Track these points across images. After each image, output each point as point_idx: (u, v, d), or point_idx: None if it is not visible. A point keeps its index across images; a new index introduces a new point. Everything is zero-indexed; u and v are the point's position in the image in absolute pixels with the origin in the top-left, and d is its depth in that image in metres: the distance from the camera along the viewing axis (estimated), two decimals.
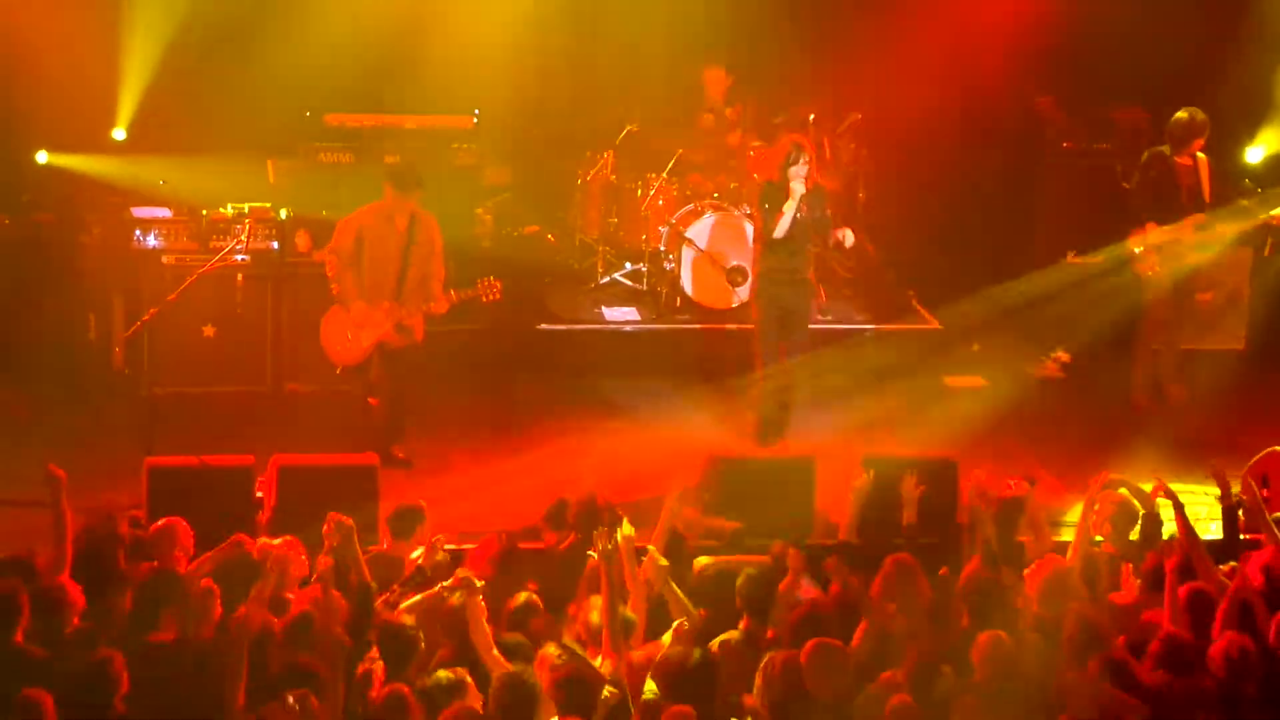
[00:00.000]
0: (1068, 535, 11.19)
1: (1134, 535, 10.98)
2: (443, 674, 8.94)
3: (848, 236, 13.99)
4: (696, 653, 9.03)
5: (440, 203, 15.92)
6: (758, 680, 9.21)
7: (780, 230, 13.48)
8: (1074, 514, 11.51)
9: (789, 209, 13.43)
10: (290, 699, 8.56)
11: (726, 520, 11.59)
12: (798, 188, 13.43)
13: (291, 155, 16.52)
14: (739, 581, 9.95)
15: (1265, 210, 14.97)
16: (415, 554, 10.41)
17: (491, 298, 13.68)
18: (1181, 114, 14.81)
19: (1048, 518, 11.17)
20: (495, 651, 9.30)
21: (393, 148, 16.66)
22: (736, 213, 16.32)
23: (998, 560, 10.22)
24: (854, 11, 17.42)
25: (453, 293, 13.48)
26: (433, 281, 13.39)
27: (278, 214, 14.76)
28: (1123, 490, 11.06)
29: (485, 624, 9.40)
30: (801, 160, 13.48)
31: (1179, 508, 10.44)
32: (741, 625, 9.81)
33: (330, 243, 13.51)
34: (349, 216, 13.51)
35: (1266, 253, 16.25)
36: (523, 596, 9.95)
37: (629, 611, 9.70)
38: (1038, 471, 12.48)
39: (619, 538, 9.71)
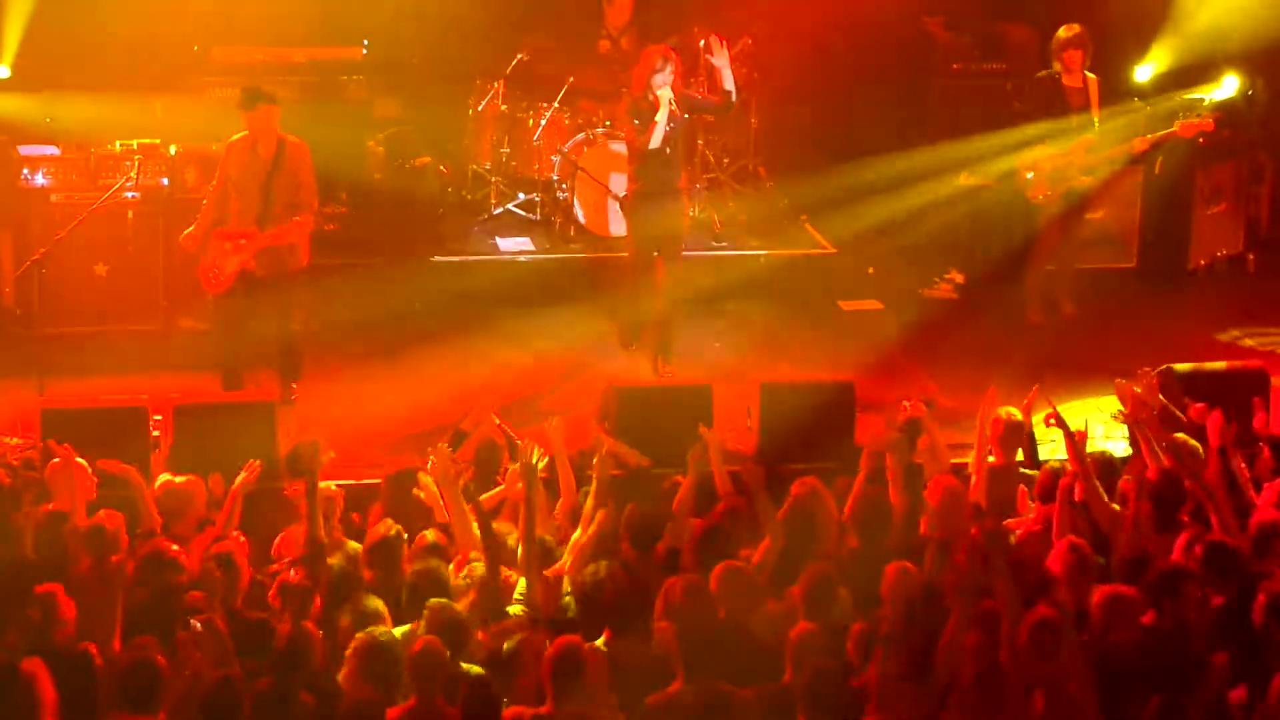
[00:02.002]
0: (966, 457, 11.27)
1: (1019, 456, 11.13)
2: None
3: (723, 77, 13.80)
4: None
5: (331, 136, 15.88)
6: (657, 606, 9.23)
7: (655, 141, 13.42)
8: (970, 436, 11.62)
9: (660, 119, 13.37)
10: (196, 624, 8.70)
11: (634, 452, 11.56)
12: (664, 95, 13.36)
13: (180, 90, 16.31)
14: (625, 512, 10.02)
15: (1153, 130, 15.10)
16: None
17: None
18: (1061, 30, 14.92)
19: (943, 439, 11.22)
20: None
21: (282, 81, 16.47)
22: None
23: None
24: None
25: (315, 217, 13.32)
26: (301, 210, 13.21)
27: (167, 150, 14.59)
28: (1008, 410, 11.16)
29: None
30: (667, 70, 13.42)
31: (1067, 432, 10.49)
32: (623, 551, 9.86)
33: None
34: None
35: (1156, 170, 16.39)
36: (430, 535, 9.98)
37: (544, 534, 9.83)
38: (934, 393, 12.60)
39: (535, 458, 9.75)
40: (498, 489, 10.68)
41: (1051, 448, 11.45)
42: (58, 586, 8.87)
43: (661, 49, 13.81)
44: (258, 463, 10.47)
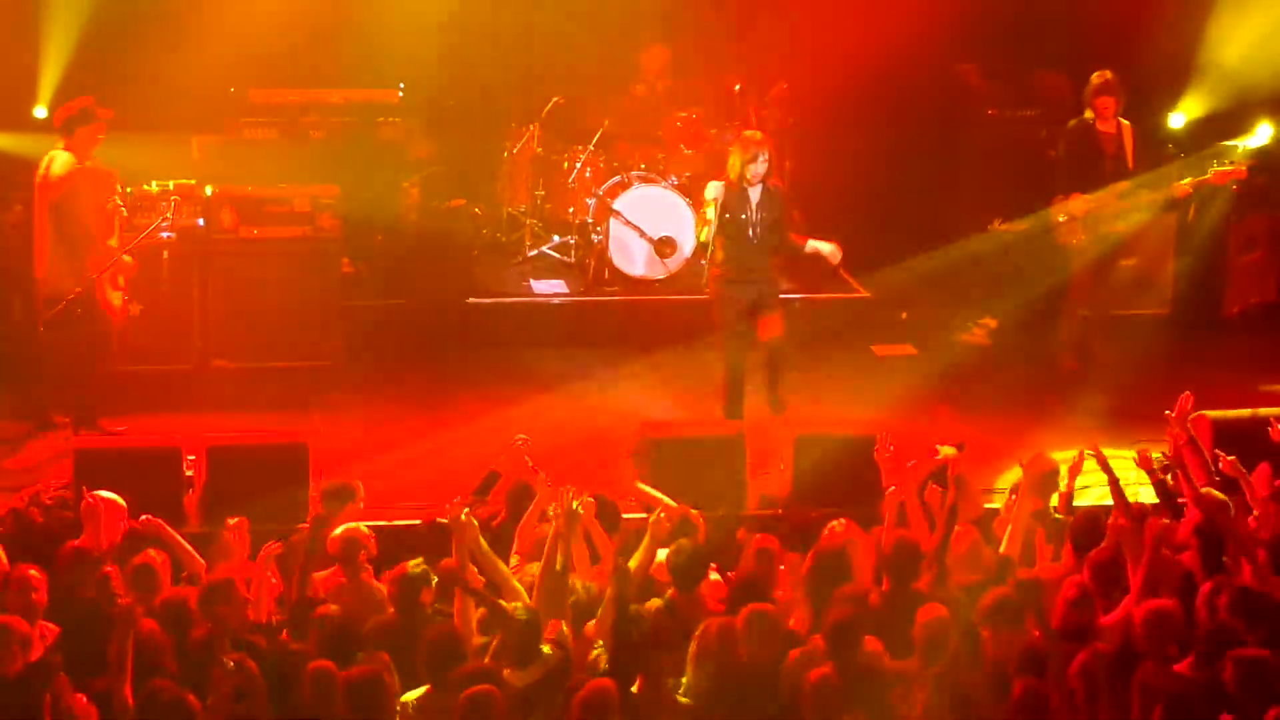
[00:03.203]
0: (997, 502, 11.26)
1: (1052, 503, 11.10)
2: None
3: (826, 250, 13.77)
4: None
5: (366, 177, 15.99)
6: (691, 648, 9.23)
7: (705, 236, 13.40)
8: (1002, 481, 11.61)
9: (745, 215, 13.28)
10: (229, 662, 8.76)
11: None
12: (754, 193, 13.28)
13: (216, 131, 16.39)
14: (668, 554, 10.02)
15: (1188, 175, 15.07)
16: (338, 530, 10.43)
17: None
18: (1093, 77, 14.93)
19: (975, 484, 11.21)
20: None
21: (317, 122, 16.58)
22: (663, 184, 16.34)
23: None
24: None
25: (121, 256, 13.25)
26: (95, 242, 13.12)
27: (203, 190, 14.66)
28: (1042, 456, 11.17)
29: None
30: (760, 159, 13.25)
31: (1112, 477, 10.50)
32: (668, 594, 9.86)
33: None
34: None
35: (1190, 217, 16.39)
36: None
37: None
38: (966, 437, 12.57)
39: (577, 505, 9.81)
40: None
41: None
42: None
43: (758, 137, 13.60)
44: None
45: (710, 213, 13.28)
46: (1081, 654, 8.98)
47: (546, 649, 9.30)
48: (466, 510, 9.82)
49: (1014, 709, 8.62)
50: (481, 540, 9.85)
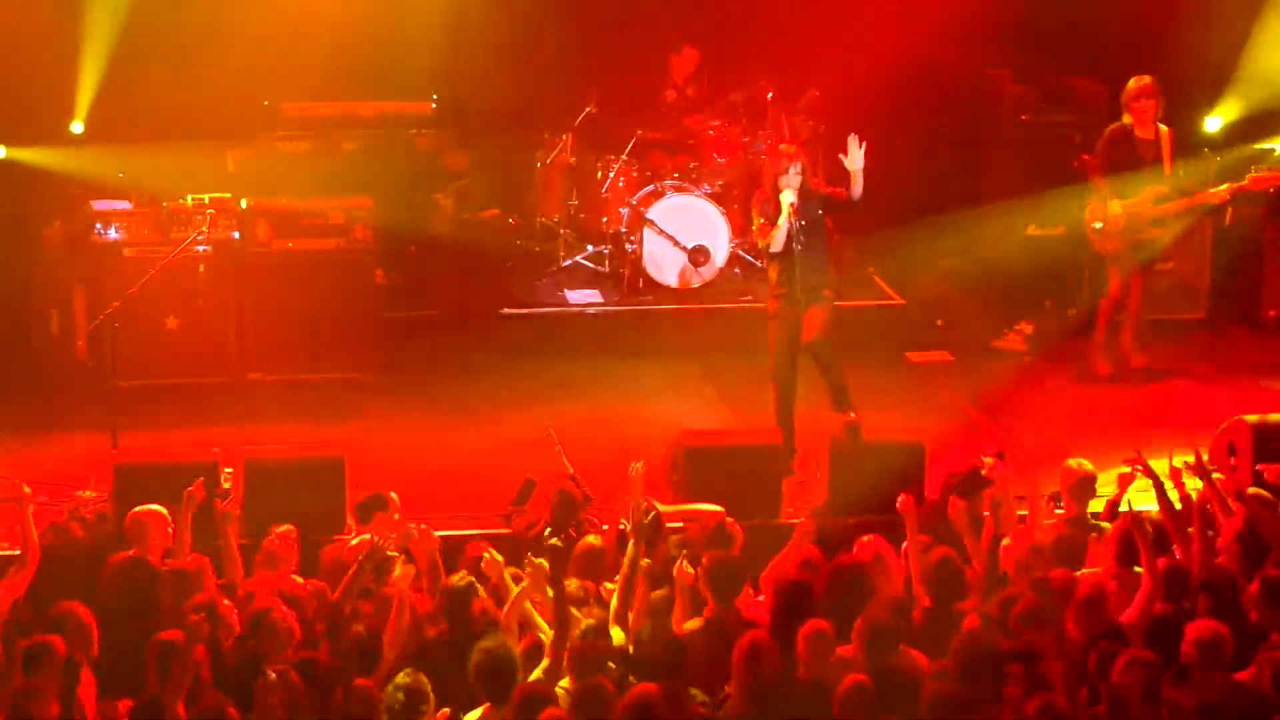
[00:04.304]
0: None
1: (1095, 507, 11.06)
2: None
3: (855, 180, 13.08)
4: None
5: (400, 189, 16.03)
6: (735, 661, 9.21)
7: (777, 245, 13.03)
8: (1040, 488, 11.57)
9: (782, 223, 12.97)
10: (272, 674, 8.81)
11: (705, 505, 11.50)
12: (787, 198, 12.92)
13: (251, 144, 16.44)
14: (705, 566, 10.00)
15: (1225, 181, 15.02)
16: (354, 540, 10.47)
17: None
18: (1132, 81, 14.89)
19: (1014, 493, 11.18)
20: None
21: (351, 135, 16.61)
22: (696, 193, 16.35)
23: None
24: None
25: None
26: None
27: (238, 204, 14.70)
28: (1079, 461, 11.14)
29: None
30: (794, 171, 13.02)
31: (1157, 481, 10.47)
32: (706, 611, 9.84)
33: None
34: None
35: (1227, 222, 16.33)
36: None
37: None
38: (1005, 446, 12.54)
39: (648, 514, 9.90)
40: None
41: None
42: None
43: (791, 150, 13.45)
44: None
45: (782, 219, 13.04)
46: (1120, 660, 8.92)
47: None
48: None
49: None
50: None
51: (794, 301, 13.07)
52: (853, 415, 12.77)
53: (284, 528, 10.56)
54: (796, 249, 13.01)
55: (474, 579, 9.86)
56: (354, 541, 10.67)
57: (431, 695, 8.86)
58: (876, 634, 9.15)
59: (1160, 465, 10.65)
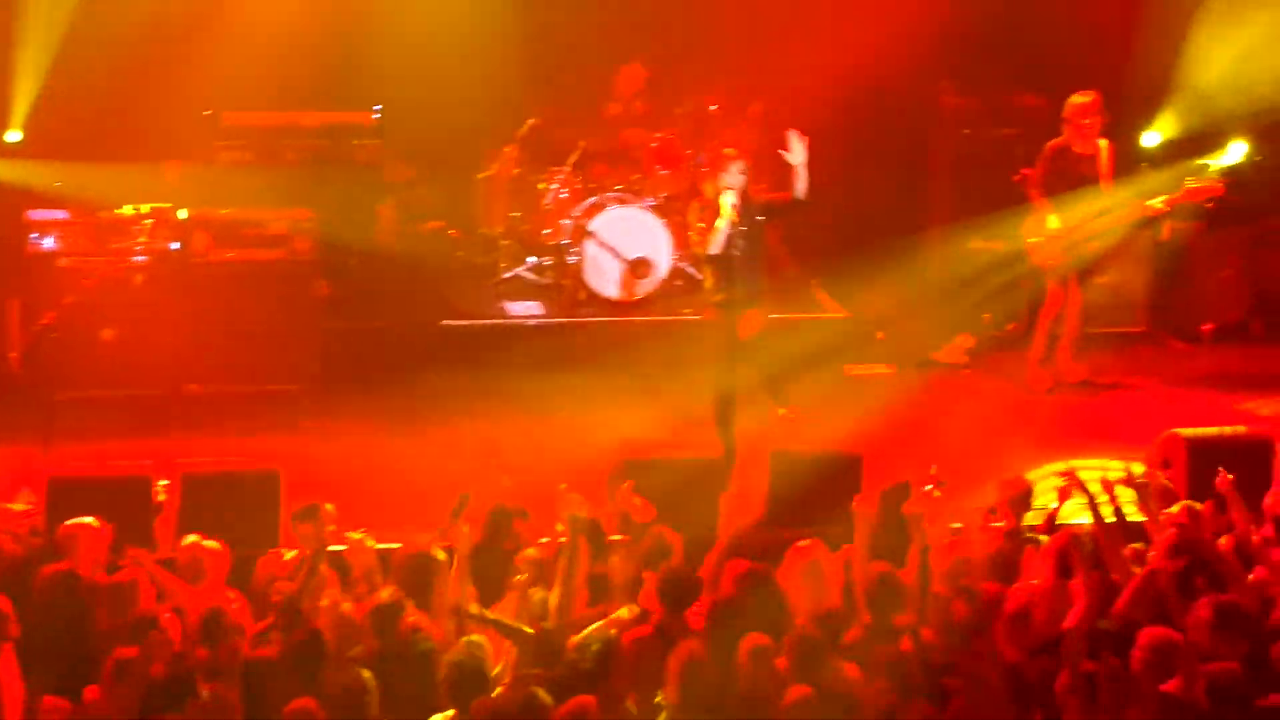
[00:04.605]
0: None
1: (1033, 520, 11.09)
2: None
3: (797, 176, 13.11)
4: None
5: (342, 200, 15.98)
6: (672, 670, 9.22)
7: (714, 247, 13.03)
8: (977, 500, 11.59)
9: (720, 225, 12.96)
10: (205, 692, 8.78)
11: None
12: (726, 200, 12.93)
13: (191, 155, 16.37)
14: (658, 573, 10.01)
15: (1158, 196, 15.10)
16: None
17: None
18: (1073, 96, 14.96)
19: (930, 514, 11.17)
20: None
21: (293, 145, 16.56)
22: (639, 205, 16.36)
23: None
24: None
25: None
26: None
27: (177, 214, 14.64)
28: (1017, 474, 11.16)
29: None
30: (735, 173, 13.04)
31: (1090, 496, 10.51)
32: (654, 619, 9.84)
33: None
34: None
35: (1165, 235, 16.44)
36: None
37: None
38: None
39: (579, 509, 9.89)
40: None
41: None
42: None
43: (733, 152, 13.47)
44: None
45: (722, 221, 13.03)
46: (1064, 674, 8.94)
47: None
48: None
49: None
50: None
51: (730, 307, 13.09)
52: (783, 411, 12.80)
53: (208, 543, 10.47)
54: (735, 254, 13.03)
55: (402, 596, 9.84)
56: (289, 555, 10.61)
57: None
58: (806, 647, 9.15)
59: (1095, 478, 10.68)
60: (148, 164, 15.82)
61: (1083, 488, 10.51)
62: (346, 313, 15.73)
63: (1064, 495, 11.00)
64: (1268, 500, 10.80)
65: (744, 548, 10.50)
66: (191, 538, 10.53)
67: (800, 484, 12.01)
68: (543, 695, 8.81)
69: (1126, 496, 10.82)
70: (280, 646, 9.39)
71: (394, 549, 10.62)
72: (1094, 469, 11.62)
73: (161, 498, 11.73)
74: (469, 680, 9.01)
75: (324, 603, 9.78)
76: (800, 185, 13.01)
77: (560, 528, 10.13)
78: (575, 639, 9.43)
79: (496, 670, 9.40)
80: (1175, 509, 10.60)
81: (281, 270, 14.70)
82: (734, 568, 10.14)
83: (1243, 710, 8.75)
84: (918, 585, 10.10)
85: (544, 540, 10.80)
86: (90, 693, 8.93)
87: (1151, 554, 10.15)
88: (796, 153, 12.95)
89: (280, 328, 14.58)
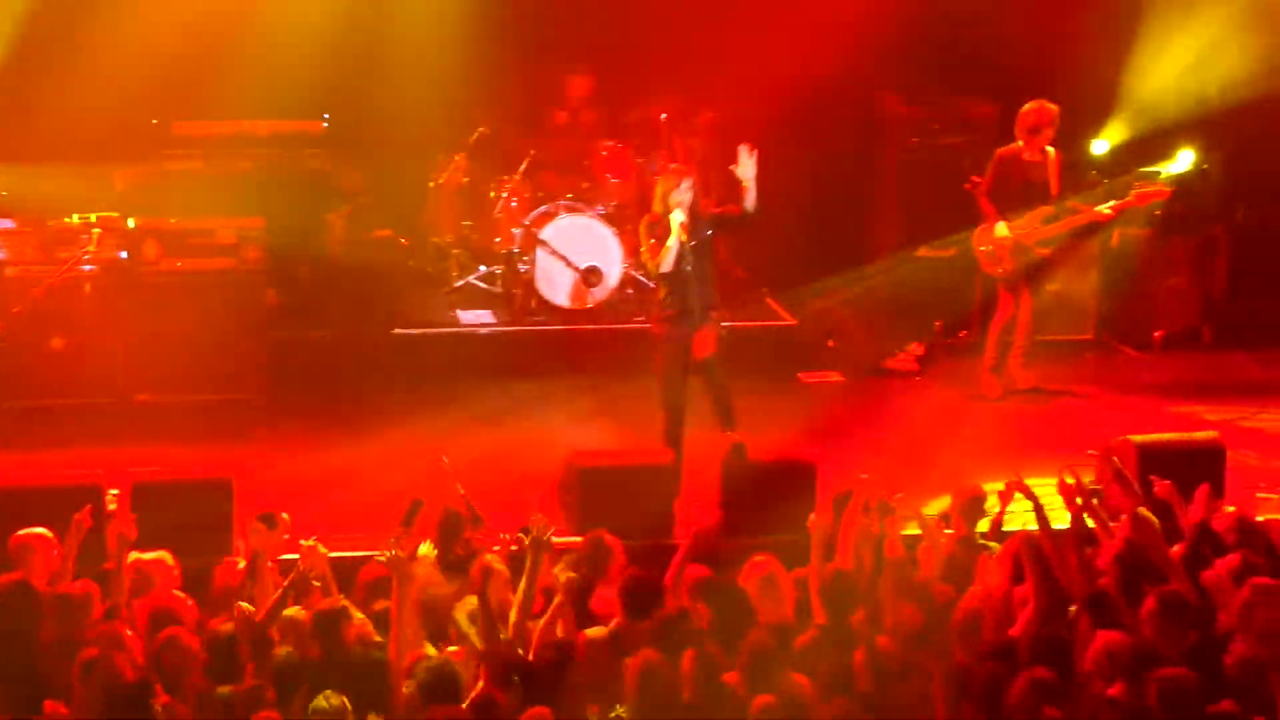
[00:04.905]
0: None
1: (982, 527, 11.13)
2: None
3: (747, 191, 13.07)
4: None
5: (292, 209, 15.92)
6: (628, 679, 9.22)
7: (666, 265, 12.99)
8: (930, 508, 11.61)
9: (671, 243, 12.92)
10: (159, 708, 8.74)
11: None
12: (676, 218, 12.88)
13: (139, 163, 16.29)
14: (622, 580, 10.00)
15: (1107, 202, 15.16)
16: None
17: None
18: (1029, 105, 15.02)
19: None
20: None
21: (243, 154, 16.50)
22: (590, 213, 16.35)
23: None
24: (704, 8, 17.44)
25: None
26: None
27: (125, 223, 14.56)
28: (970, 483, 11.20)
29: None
30: (684, 189, 13.00)
31: (1037, 503, 10.54)
32: (612, 624, 9.83)
33: None
34: None
35: (1114, 243, 16.52)
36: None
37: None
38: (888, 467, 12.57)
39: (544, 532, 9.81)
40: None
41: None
42: None
43: (681, 169, 13.51)
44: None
45: (672, 240, 13.04)
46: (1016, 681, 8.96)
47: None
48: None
49: None
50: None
51: (683, 323, 13.08)
52: (733, 435, 12.82)
53: (154, 555, 10.40)
54: (686, 269, 13.02)
55: (347, 603, 9.81)
56: (242, 564, 10.56)
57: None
58: (757, 657, 9.15)
59: (1047, 485, 10.72)
60: (96, 172, 15.72)
61: (1029, 494, 10.53)
62: (297, 321, 15.69)
63: (1005, 499, 11.05)
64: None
65: (700, 555, 10.46)
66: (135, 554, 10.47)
67: (753, 492, 12.03)
68: (499, 700, 8.82)
69: (1077, 503, 10.87)
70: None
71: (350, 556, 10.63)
72: (1046, 477, 11.64)
73: (112, 507, 11.64)
74: (443, 688, 9.01)
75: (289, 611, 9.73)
76: (750, 199, 13.04)
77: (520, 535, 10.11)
78: (533, 647, 9.44)
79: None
80: (1124, 516, 10.66)
81: (231, 279, 14.62)
82: (692, 574, 10.17)
83: (1194, 715, 8.79)
84: (868, 588, 10.14)
85: (497, 549, 10.81)
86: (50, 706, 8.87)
87: (1101, 560, 10.20)
88: (746, 167, 12.98)
89: (230, 337, 14.50)
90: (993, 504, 11.27)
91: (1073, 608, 9.71)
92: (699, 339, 13.12)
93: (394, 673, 9.38)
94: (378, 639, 9.70)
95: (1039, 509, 10.40)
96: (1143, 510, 10.54)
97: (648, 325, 13.70)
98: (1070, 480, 10.63)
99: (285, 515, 10.89)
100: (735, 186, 13.15)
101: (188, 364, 14.34)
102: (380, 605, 10.00)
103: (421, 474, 12.34)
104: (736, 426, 12.96)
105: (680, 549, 10.44)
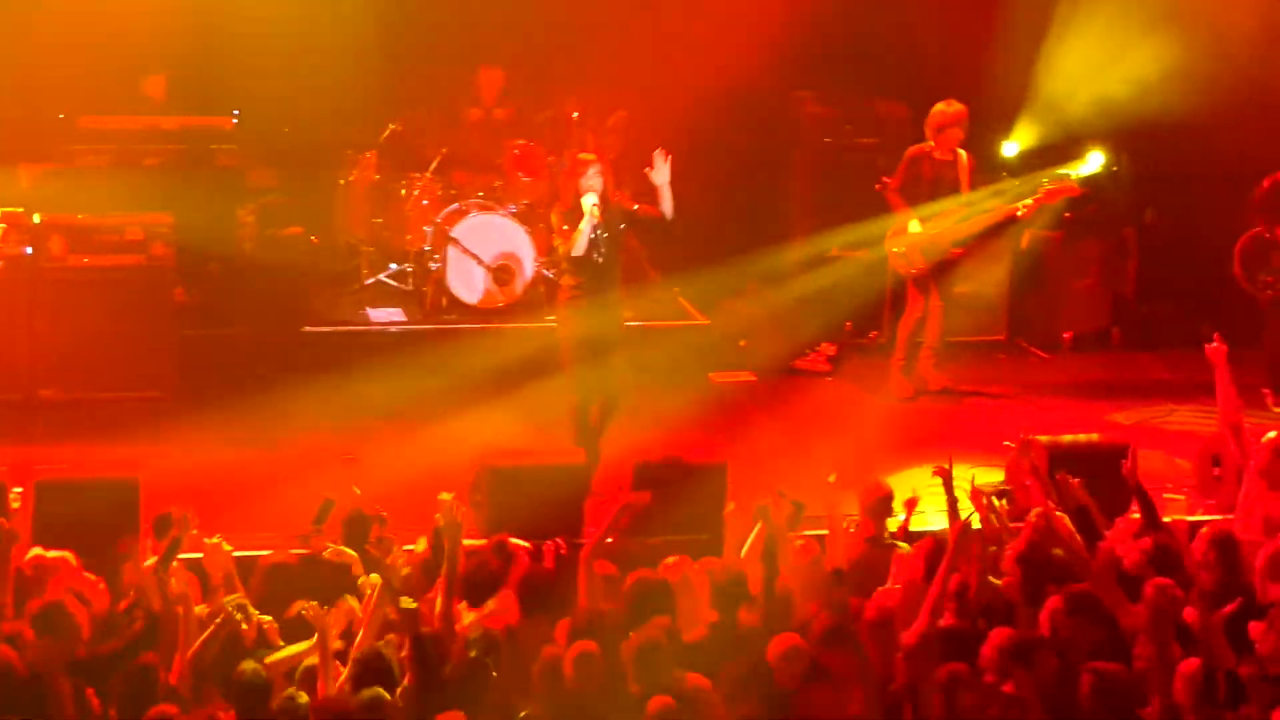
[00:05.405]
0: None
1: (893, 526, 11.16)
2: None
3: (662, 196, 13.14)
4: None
5: (202, 205, 15.78)
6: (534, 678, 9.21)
7: (578, 249, 13.00)
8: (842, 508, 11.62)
9: (584, 227, 12.94)
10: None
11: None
12: (588, 202, 12.92)
13: (46, 159, 16.11)
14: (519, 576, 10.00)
15: (1019, 202, 15.22)
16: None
17: None
18: (938, 105, 15.08)
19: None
20: None
21: (152, 150, 16.34)
22: (501, 212, 16.31)
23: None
24: (618, 6, 17.43)
25: None
26: None
27: (31, 218, 14.41)
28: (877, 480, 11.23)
29: None
30: (595, 176, 13.05)
31: (952, 500, 10.59)
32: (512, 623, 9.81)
33: None
34: None
35: (1024, 244, 16.62)
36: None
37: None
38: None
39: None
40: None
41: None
42: None
43: (590, 156, 13.52)
44: None
45: (584, 223, 13.03)
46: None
47: None
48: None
49: None
50: None
51: (590, 311, 13.07)
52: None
53: (53, 554, 10.28)
54: (597, 259, 13.04)
55: (246, 601, 9.74)
56: (148, 562, 10.45)
57: None
58: (644, 655, 9.14)
59: (958, 485, 10.77)
60: (1, 167, 15.54)
61: (950, 491, 10.59)
62: (206, 319, 15.57)
63: (910, 505, 11.08)
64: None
65: (611, 555, 10.44)
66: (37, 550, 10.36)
67: (665, 492, 12.00)
68: (384, 695, 8.78)
69: (984, 503, 10.92)
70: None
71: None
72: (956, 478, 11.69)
73: (15, 505, 11.51)
74: (377, 678, 9.00)
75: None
76: (666, 205, 13.05)
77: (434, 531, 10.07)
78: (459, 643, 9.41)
79: None
80: (1031, 515, 10.72)
81: (138, 275, 14.54)
82: (601, 571, 10.15)
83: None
84: (764, 588, 10.13)
85: (409, 547, 10.75)
86: None
87: (1005, 559, 10.24)
88: (661, 172, 12.98)
89: (137, 334, 14.41)
90: (900, 506, 11.33)
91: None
92: (607, 320, 13.19)
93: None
94: (279, 642, 9.64)
95: (953, 508, 10.44)
96: (1045, 509, 10.63)
97: (558, 322, 13.69)
98: (976, 481, 10.71)
99: (189, 513, 10.77)
100: (650, 190, 13.14)
101: (95, 361, 14.24)
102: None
103: (332, 472, 12.28)
104: (598, 459, 12.98)
105: (584, 549, 10.40)
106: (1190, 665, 8.90)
